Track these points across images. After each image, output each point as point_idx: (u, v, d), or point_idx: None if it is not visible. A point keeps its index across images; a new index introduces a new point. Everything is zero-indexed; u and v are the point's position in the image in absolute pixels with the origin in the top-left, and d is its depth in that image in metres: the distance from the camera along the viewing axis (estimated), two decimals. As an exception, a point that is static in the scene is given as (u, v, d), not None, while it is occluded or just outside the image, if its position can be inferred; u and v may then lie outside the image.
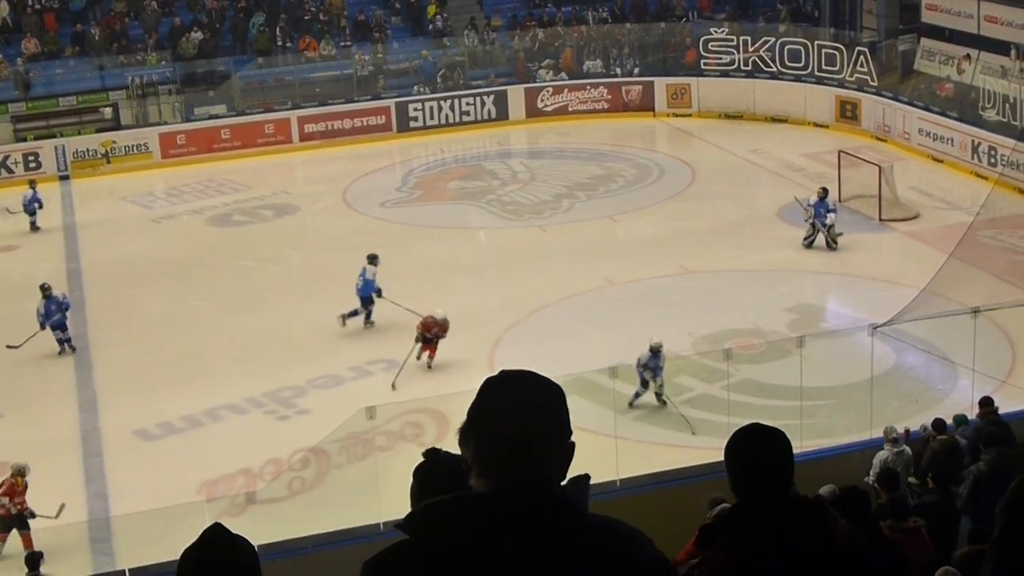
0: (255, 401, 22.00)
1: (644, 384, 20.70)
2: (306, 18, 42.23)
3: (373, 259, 24.85)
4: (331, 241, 30.51)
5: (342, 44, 41.81)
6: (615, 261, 27.39)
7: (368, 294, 24.61)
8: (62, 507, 17.21)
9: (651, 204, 32.45)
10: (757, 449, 4.36)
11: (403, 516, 3.25)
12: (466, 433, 3.27)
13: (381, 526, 14.78)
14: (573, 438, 3.29)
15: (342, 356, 23.35)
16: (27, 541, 17.13)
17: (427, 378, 22.20)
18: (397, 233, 30.88)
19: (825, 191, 28.28)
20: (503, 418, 3.21)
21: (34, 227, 32.29)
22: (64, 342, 24.41)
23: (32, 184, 33.06)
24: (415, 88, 40.86)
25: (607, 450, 16.84)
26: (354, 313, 24.62)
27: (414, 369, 22.37)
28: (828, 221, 27.67)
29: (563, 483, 3.25)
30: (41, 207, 32.41)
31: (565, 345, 23.12)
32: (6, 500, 17.24)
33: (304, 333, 24.77)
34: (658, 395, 20.74)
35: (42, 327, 24.15)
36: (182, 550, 3.92)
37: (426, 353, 22.67)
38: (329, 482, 18.39)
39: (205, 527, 3.96)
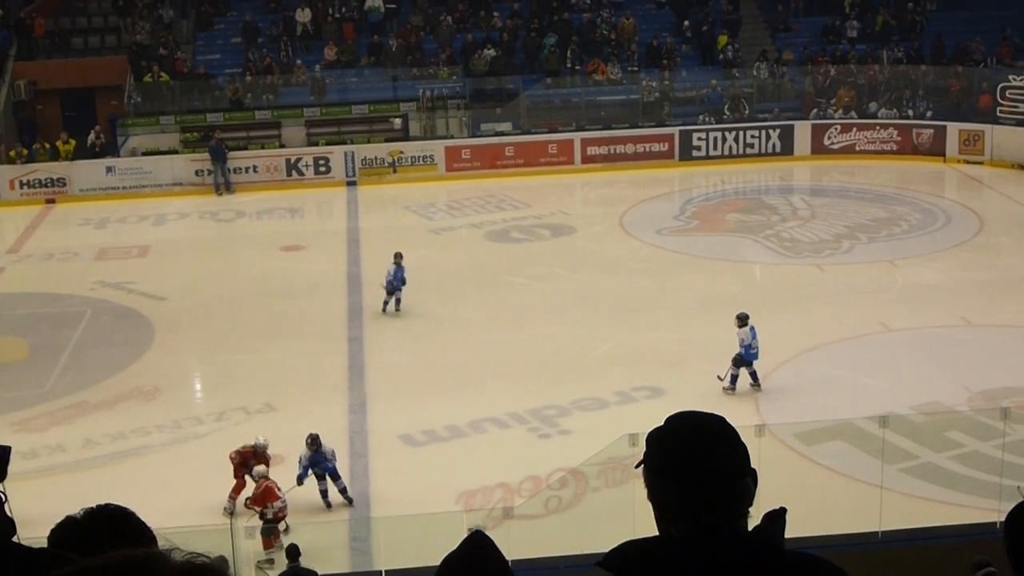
0: (518, 417, 22.19)
1: None
2: (598, 40, 42.57)
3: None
4: (604, 264, 30.63)
5: (630, 69, 42.01)
6: (893, 307, 26.69)
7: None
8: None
9: (934, 251, 31.54)
10: None
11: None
12: (663, 480, 3.30)
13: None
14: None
15: (607, 380, 23.32)
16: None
17: (692, 406, 21.95)
18: (671, 261, 30.83)
19: None
20: (702, 464, 3.22)
21: (387, 305, 27.36)
22: (342, 491, 19.45)
23: (398, 258, 27.45)
24: (700, 117, 40.77)
25: (871, 500, 16.41)
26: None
27: (664, 401, 22.09)
28: None
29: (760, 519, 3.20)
30: (404, 284, 27.34)
31: (834, 389, 22.66)
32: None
33: (571, 354, 24.87)
34: None
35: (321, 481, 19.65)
36: (441, 557, 3.98)
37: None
38: (586, 504, 18.39)
39: (463, 536, 4.02)
